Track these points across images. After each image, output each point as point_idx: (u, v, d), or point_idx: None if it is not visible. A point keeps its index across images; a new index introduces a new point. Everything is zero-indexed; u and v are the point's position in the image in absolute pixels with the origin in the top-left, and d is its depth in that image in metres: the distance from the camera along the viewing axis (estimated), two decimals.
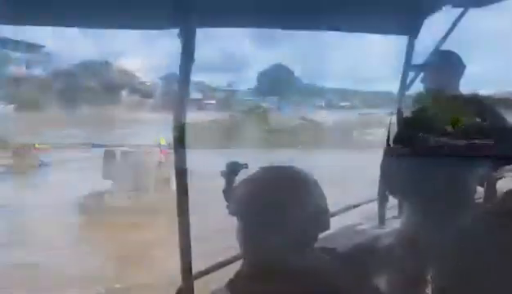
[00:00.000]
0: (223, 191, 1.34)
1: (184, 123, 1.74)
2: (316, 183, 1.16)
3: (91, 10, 1.77)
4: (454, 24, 2.82)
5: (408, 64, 2.89)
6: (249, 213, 1.13)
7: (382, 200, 3.05)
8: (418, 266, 2.45)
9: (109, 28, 2.24)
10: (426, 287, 2.44)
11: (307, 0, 2.28)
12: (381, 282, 2.74)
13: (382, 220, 3.13)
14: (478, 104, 2.33)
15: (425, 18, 2.77)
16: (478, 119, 2.25)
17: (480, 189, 2.49)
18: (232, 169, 1.45)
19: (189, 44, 1.73)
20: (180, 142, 1.75)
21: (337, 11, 2.48)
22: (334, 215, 3.05)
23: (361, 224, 3.28)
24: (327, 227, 1.17)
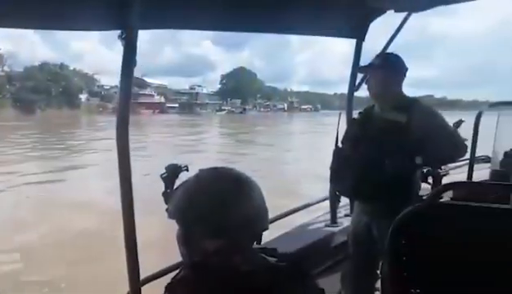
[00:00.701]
0: (163, 194, 1.32)
1: (127, 127, 1.70)
2: (254, 184, 1.14)
3: (33, 10, 1.71)
4: (399, 28, 2.95)
5: (356, 66, 2.99)
6: (187, 216, 1.11)
7: (333, 199, 3.13)
8: (368, 261, 2.51)
9: (52, 28, 2.16)
10: (376, 281, 2.49)
11: (263, 3, 2.30)
12: (334, 277, 2.84)
13: (334, 218, 3.21)
14: (418, 105, 2.39)
15: (371, 22, 2.88)
16: (416, 120, 2.30)
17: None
18: (172, 172, 1.42)
19: (131, 46, 1.67)
20: (123, 147, 1.71)
21: (291, 14, 2.53)
22: (289, 214, 3.12)
23: (314, 222, 3.35)
24: (266, 227, 1.17)
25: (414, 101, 2.42)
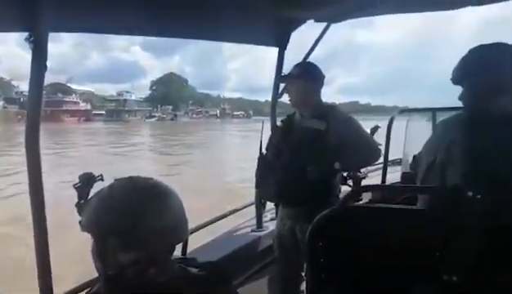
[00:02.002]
0: (76, 205, 1.24)
1: (38, 135, 1.61)
2: (172, 193, 1.11)
3: None
4: (319, 38, 3.07)
5: (279, 75, 3.05)
6: (99, 228, 1.07)
7: (258, 204, 3.16)
8: (292, 264, 2.57)
9: None
10: (301, 283, 2.55)
11: (185, 9, 2.26)
12: (261, 281, 2.87)
13: (259, 223, 3.25)
14: (336, 113, 2.48)
15: (292, 31, 2.97)
16: (334, 127, 2.39)
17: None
18: (85, 181, 1.34)
19: (40, 49, 1.55)
20: (33, 156, 1.61)
21: (215, 21, 2.54)
22: (215, 220, 3.10)
23: (241, 228, 3.36)
24: (184, 238, 1.15)
25: (332, 108, 2.52)
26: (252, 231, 3.26)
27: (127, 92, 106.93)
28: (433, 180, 1.60)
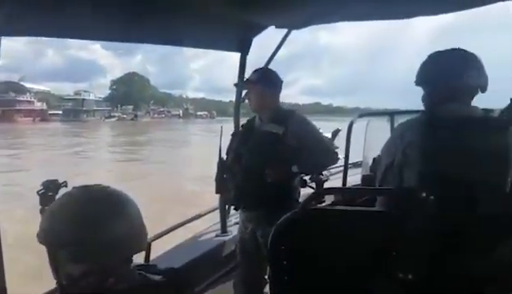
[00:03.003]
0: (40, 212, 1.20)
1: None
2: (129, 203, 1.10)
3: None
4: (280, 44, 3.11)
5: (241, 79, 3.08)
6: (52, 239, 1.03)
7: (222, 208, 3.17)
8: (256, 267, 2.59)
9: None
10: (265, 286, 2.58)
11: (147, 14, 2.25)
12: (226, 286, 2.88)
13: (224, 227, 3.26)
14: (294, 116, 2.53)
15: (254, 37, 3.00)
16: (292, 131, 2.45)
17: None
18: (48, 188, 1.30)
19: None
20: None
21: (177, 26, 2.55)
22: (181, 225, 3.09)
23: (206, 232, 3.36)
24: (143, 247, 1.15)
25: (290, 113, 2.57)
26: (216, 236, 3.27)
27: (85, 91, 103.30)
28: (391, 181, 1.66)
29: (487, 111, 2.05)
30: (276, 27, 2.92)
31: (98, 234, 1.01)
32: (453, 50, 1.67)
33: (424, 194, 1.41)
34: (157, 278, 1.16)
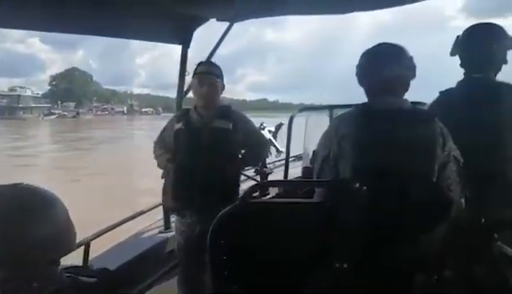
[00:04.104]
0: None
1: None
2: (55, 203, 1.04)
3: None
4: (222, 38, 3.09)
5: (183, 73, 3.03)
6: None
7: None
8: (199, 264, 2.55)
9: None
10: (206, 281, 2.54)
11: (88, 6, 2.17)
12: (170, 283, 2.83)
13: (167, 223, 3.21)
14: (236, 113, 2.54)
15: (195, 30, 2.96)
16: (237, 126, 2.44)
17: None
18: None
19: None
20: None
21: (117, 18, 2.47)
22: (122, 223, 2.99)
23: (148, 229, 3.29)
24: (70, 249, 1.09)
25: (229, 108, 2.58)
26: (160, 232, 3.21)
27: (21, 87, 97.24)
28: (328, 173, 1.69)
29: (417, 104, 2.16)
30: (218, 20, 2.91)
31: (21, 235, 0.95)
32: (383, 44, 1.73)
33: (357, 185, 1.45)
34: (88, 279, 1.12)
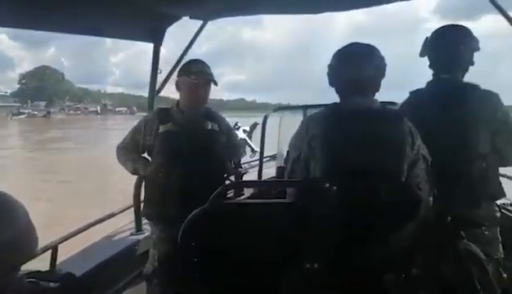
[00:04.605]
0: None
1: None
2: (17, 205, 1.02)
3: None
4: (195, 36, 3.07)
5: (155, 71, 2.98)
6: None
7: (137, 207, 3.05)
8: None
9: None
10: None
11: (59, 3, 2.14)
12: (141, 286, 2.78)
13: (139, 226, 3.15)
14: (218, 114, 2.52)
15: (167, 28, 2.92)
16: (222, 127, 2.44)
17: None
18: None
19: None
20: None
21: (89, 15, 2.40)
22: (92, 225, 2.92)
23: (120, 232, 3.23)
24: (31, 255, 1.05)
25: (211, 109, 2.53)
26: (131, 234, 3.15)
27: None
28: (299, 173, 1.69)
29: (389, 104, 2.18)
30: (191, 18, 2.89)
31: None
32: (354, 44, 1.73)
33: (327, 185, 1.45)
34: (51, 285, 1.09)
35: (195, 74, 2.32)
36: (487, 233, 1.98)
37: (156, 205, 2.38)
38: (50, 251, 2.20)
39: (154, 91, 3.05)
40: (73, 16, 2.37)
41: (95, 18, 2.49)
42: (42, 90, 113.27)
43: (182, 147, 2.31)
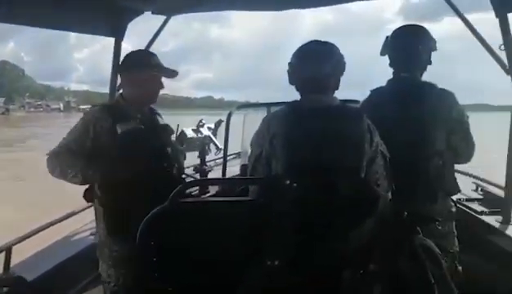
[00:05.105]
0: None
1: None
2: None
3: None
4: (158, 31, 3.01)
5: (116, 66, 2.91)
6: None
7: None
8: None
9: None
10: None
11: None
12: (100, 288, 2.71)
13: None
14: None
15: (129, 22, 2.85)
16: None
17: None
18: None
19: None
20: None
21: (49, 8, 2.33)
22: (50, 225, 2.82)
23: (80, 232, 3.13)
24: None
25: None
26: (91, 234, 3.06)
27: None
28: (261, 171, 1.69)
29: (351, 102, 2.21)
30: (153, 13, 2.84)
31: None
32: (313, 42, 1.74)
33: (287, 182, 1.46)
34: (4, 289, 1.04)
35: (150, 67, 2.08)
36: (441, 227, 2.04)
37: (121, 219, 2.06)
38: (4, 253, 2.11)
39: (115, 86, 2.97)
40: (31, 8, 2.27)
41: (54, 10, 2.40)
42: (1, 86, 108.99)
43: (148, 145, 2.11)
